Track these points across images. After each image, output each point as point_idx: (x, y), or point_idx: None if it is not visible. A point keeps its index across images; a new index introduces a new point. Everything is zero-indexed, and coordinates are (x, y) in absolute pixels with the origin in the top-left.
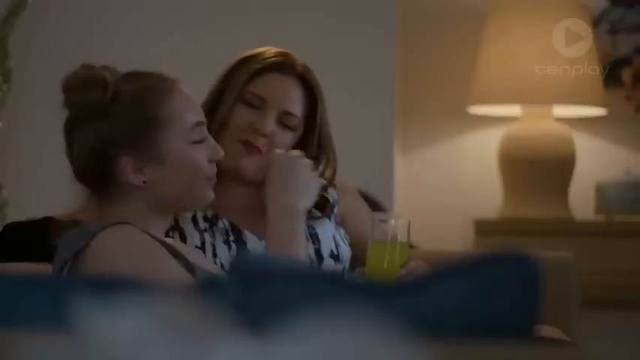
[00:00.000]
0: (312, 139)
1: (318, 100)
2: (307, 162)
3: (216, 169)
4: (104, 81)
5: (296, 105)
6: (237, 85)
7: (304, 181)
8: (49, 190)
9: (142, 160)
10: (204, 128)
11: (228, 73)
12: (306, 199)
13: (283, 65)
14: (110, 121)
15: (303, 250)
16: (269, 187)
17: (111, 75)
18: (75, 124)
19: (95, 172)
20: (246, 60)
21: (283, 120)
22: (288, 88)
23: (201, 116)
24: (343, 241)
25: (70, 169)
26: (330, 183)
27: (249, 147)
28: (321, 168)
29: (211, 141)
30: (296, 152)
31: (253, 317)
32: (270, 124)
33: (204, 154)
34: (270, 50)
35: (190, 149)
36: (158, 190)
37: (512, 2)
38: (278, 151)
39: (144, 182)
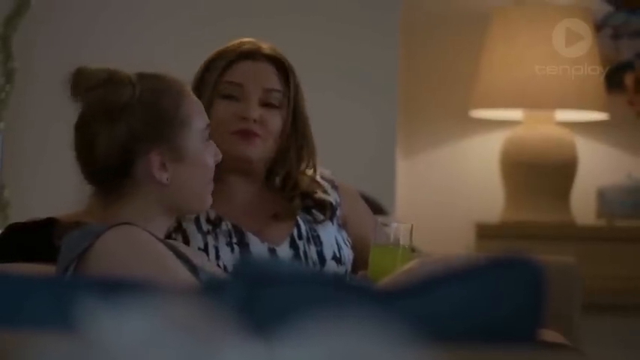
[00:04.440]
0: (295, 121)
1: (290, 75)
2: None
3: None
4: (130, 79)
5: (273, 80)
6: (211, 82)
7: None
8: (51, 190)
9: (166, 157)
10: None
11: (200, 75)
12: None
13: (250, 52)
14: (138, 117)
15: None
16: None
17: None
18: (97, 121)
19: (116, 169)
20: (214, 59)
21: (267, 99)
22: (261, 69)
23: (207, 118)
24: (345, 244)
25: (75, 170)
26: (315, 173)
27: (245, 134)
28: (305, 160)
29: (213, 143)
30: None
31: (258, 320)
32: (254, 108)
33: (211, 155)
34: (234, 43)
35: (204, 149)
36: (176, 189)
37: (515, 6)
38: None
39: (166, 179)
